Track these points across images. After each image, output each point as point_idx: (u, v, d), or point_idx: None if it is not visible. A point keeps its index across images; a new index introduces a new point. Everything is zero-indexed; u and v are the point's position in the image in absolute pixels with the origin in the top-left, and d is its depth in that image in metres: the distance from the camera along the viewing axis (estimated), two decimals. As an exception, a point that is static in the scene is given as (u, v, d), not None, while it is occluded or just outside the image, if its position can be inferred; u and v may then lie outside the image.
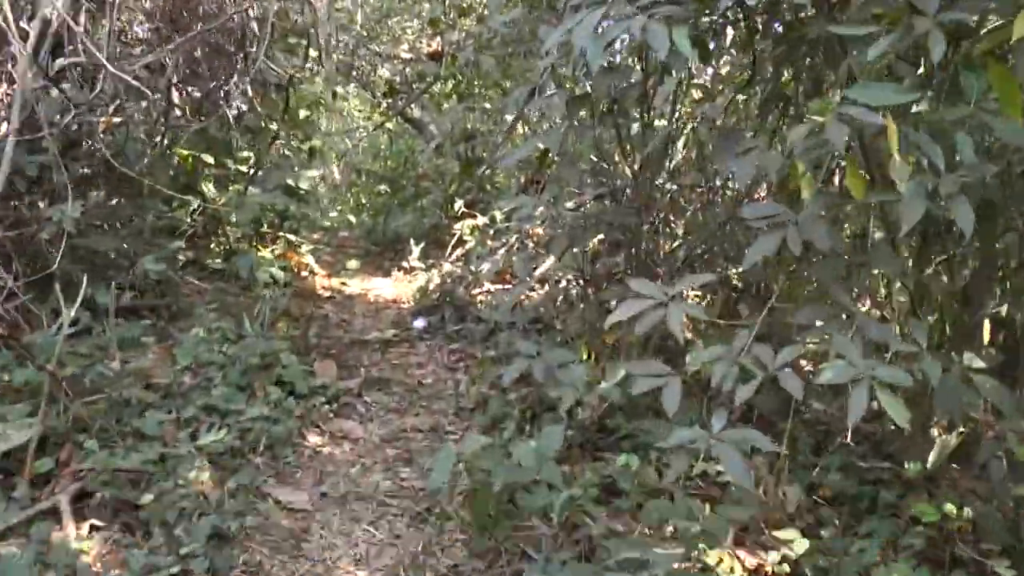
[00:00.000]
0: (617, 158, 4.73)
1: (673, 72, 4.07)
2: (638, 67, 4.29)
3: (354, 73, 13.59)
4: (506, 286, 7.44)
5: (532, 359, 4.10)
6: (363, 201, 14.32)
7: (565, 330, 5.72)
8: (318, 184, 13.97)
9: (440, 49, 13.02)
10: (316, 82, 9.06)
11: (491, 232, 8.04)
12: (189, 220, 6.35)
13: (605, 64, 4.16)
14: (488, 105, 10.02)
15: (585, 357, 5.35)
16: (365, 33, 12.95)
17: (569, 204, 5.42)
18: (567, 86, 4.28)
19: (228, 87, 5.56)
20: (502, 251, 7.51)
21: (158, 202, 5.96)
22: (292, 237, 8.87)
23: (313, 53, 8.41)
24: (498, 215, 8.14)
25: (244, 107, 6.86)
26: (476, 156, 9.10)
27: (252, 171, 6.76)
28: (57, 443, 3.78)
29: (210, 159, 6.12)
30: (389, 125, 16.35)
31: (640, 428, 4.14)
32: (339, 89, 9.65)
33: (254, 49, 5.41)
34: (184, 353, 4.68)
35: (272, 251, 8.30)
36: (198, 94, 6.05)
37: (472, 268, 7.55)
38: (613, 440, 4.35)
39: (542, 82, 4.12)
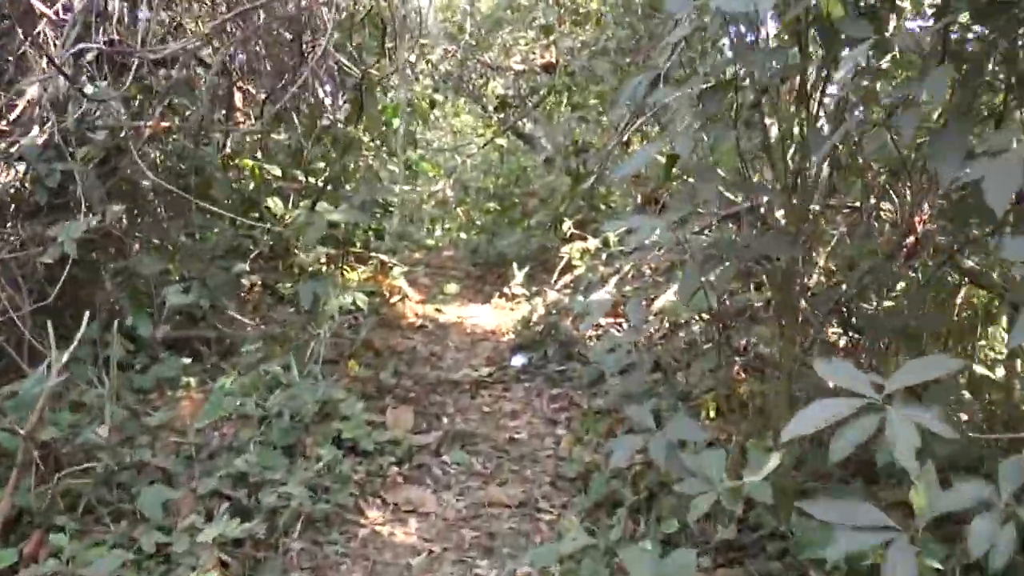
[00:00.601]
0: (760, 168, 3.67)
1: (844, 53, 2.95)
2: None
3: (463, 85, 12.74)
4: (619, 320, 6.37)
5: (649, 434, 3.04)
6: (473, 218, 13.52)
7: (689, 381, 4.63)
8: (423, 201, 13.24)
9: (554, 60, 12.13)
10: (414, 89, 8.18)
11: (603, 257, 6.99)
12: (259, 239, 5.51)
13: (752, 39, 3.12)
14: (604, 118, 8.99)
15: (713, 414, 4.28)
16: (475, 43, 12.11)
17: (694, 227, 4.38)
18: (701, 71, 3.22)
19: (297, 87, 4.66)
20: (615, 279, 6.46)
21: (218, 219, 5.14)
22: (384, 258, 8.03)
23: (407, 56, 7.51)
24: (611, 237, 7.09)
25: (328, 113, 6.00)
26: (587, 171, 8.08)
27: (325, 184, 5.87)
28: (32, 526, 2.92)
29: (277, 171, 5.29)
30: (500, 141, 15.59)
31: (794, 528, 3.02)
32: (438, 96, 8.68)
33: (323, 42, 4.52)
34: (213, 405, 3.76)
35: (360, 273, 7.48)
36: (263, 95, 5.20)
37: (581, 299, 6.50)
38: (756, 539, 3.24)
39: (666, 67, 3.07)
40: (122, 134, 4.28)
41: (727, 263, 3.07)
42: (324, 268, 6.90)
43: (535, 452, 4.56)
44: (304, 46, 4.91)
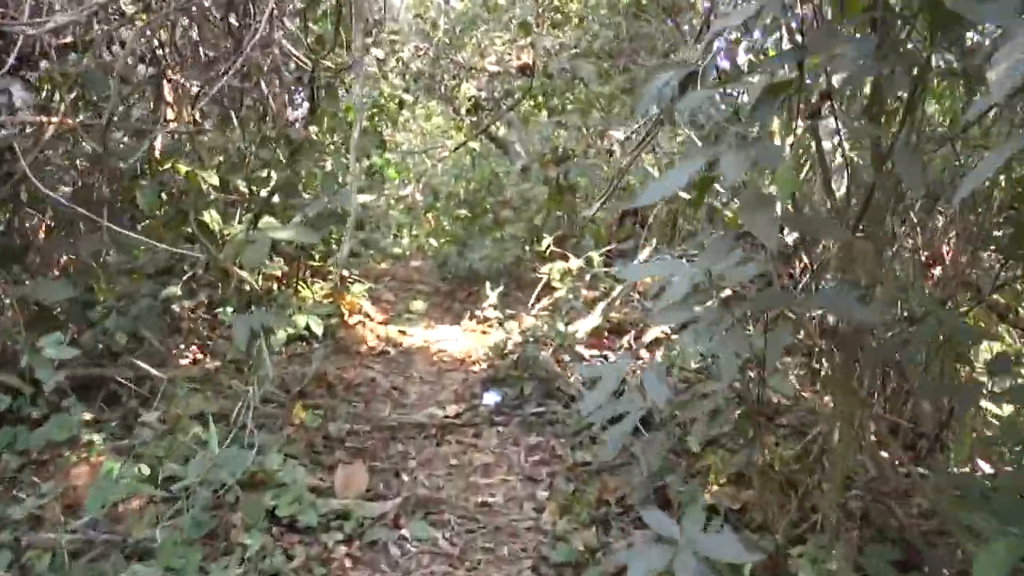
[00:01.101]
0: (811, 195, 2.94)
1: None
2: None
3: (435, 86, 11.93)
4: (604, 352, 5.61)
5: (672, 546, 2.28)
6: (443, 225, 12.73)
7: (703, 453, 3.84)
8: (388, 208, 12.42)
9: (531, 62, 11.38)
10: (380, 87, 7.35)
11: (586, 278, 6.23)
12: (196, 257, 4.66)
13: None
14: (583, 122, 8.25)
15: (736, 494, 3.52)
16: (448, 41, 11.30)
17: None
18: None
19: (233, 77, 3.84)
20: (602, 305, 5.71)
21: (147, 234, 4.30)
22: (344, 272, 7.21)
23: (369, 49, 6.69)
24: (595, 257, 6.34)
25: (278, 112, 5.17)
26: (568, 182, 7.32)
27: (269, 195, 5.02)
28: None
29: (214, 179, 4.43)
30: (473, 144, 14.80)
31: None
32: (407, 96, 7.86)
33: (263, 23, 3.69)
34: (103, 486, 2.89)
35: (317, 290, 6.66)
36: (197, 88, 4.34)
37: (561, 326, 5.74)
38: None
39: (704, 63, 2.31)
40: (17, 130, 3.45)
41: (782, 330, 2.32)
42: (276, 287, 6.09)
43: (512, 523, 3.76)
44: (241, 29, 4.08)
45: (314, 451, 3.96)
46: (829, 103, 2.30)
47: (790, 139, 2.43)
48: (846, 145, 2.59)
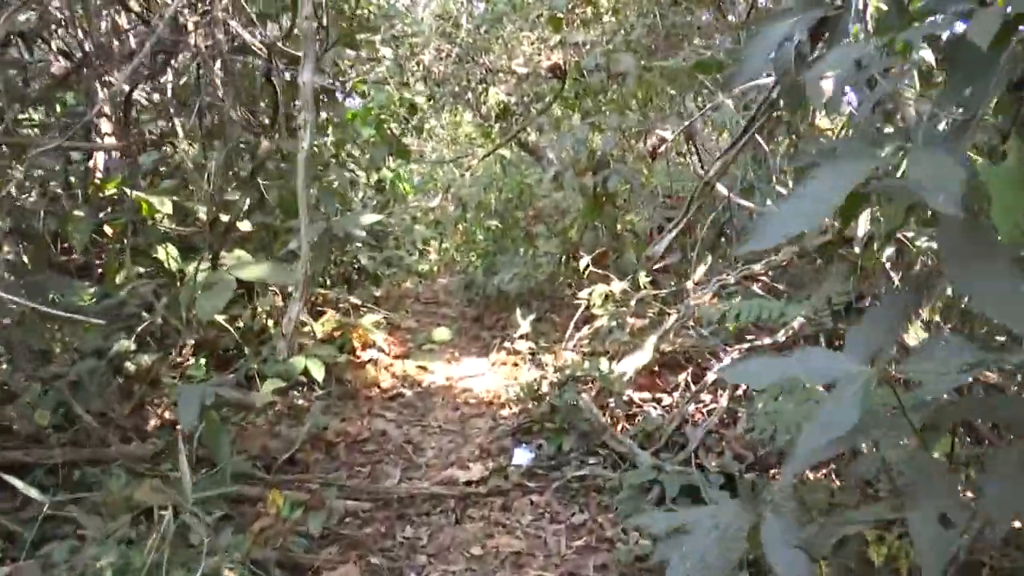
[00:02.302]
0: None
1: None
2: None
3: (460, 90, 11.00)
4: (658, 396, 4.64)
5: None
6: (473, 237, 11.82)
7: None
8: (415, 220, 11.54)
9: (561, 61, 10.44)
10: (386, 89, 6.42)
11: (631, 303, 5.25)
12: (154, 303, 3.74)
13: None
14: (627, 124, 7.26)
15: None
16: (472, 42, 10.38)
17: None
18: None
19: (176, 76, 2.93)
20: (654, 337, 4.72)
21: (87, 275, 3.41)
22: (355, 300, 6.31)
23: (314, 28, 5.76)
24: (642, 278, 5.36)
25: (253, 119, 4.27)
26: (607, 191, 6.33)
27: (227, 228, 4.05)
28: None
29: (166, 204, 3.51)
30: (503, 152, 13.89)
31: None
32: (421, 101, 6.91)
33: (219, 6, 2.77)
34: None
35: (324, 323, 5.76)
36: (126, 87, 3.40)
37: (604, 363, 4.78)
38: None
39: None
40: None
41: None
42: (271, 324, 5.20)
43: (551, 651, 2.82)
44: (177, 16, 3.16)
45: (289, 552, 3.03)
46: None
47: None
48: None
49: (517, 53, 10.87)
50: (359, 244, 5.38)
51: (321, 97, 5.08)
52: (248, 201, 4.11)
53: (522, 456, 4.29)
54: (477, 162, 12.97)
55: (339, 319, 5.80)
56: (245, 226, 4.22)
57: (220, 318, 3.85)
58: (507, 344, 6.17)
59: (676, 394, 4.59)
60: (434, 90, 10.91)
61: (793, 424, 2.80)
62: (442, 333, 6.79)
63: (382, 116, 5.82)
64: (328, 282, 7.02)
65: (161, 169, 3.86)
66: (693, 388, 4.62)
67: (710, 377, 4.39)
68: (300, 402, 4.81)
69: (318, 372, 4.74)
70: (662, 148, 5.94)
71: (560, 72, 10.45)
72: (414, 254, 10.65)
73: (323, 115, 5.32)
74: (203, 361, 3.86)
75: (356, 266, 6.84)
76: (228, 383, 3.27)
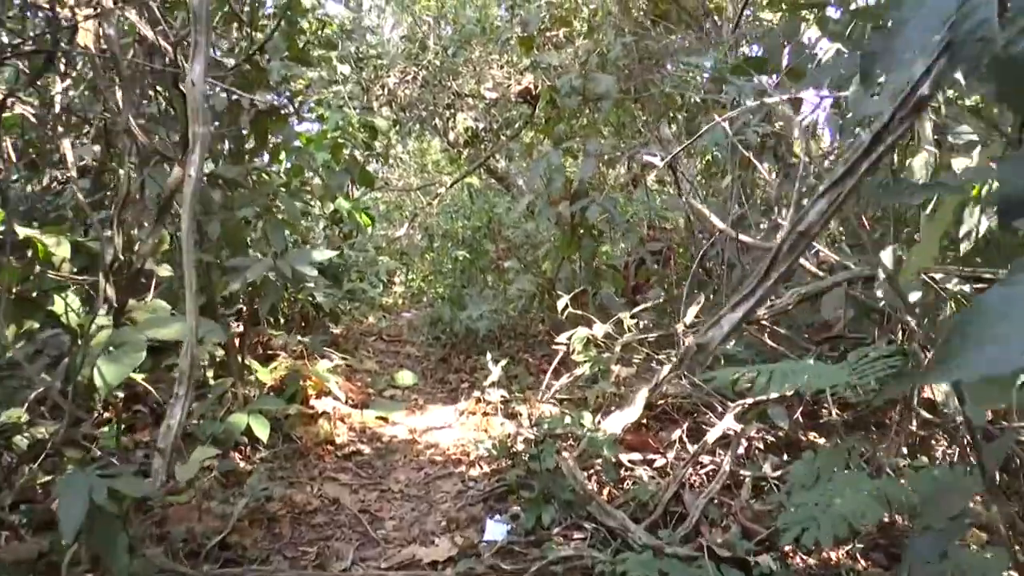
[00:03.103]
0: None
1: None
2: None
3: (427, 115, 10.44)
4: (650, 457, 4.05)
5: None
6: (444, 267, 11.24)
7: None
8: (379, 251, 10.93)
9: (532, 85, 9.94)
10: (348, 114, 5.82)
11: (616, 348, 4.67)
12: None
13: None
14: (601, 147, 6.73)
15: None
16: (440, 64, 9.83)
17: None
18: None
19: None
20: (645, 391, 4.14)
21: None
22: (308, 339, 5.69)
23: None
24: (627, 320, 4.79)
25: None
26: (586, 222, 5.78)
27: (135, 273, 3.36)
28: None
29: (63, 246, 2.88)
30: (472, 180, 13.36)
31: None
32: (381, 123, 6.32)
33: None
34: None
35: (272, 370, 5.12)
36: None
37: (588, 418, 4.19)
38: None
39: None
40: None
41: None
42: (211, 374, 4.56)
43: None
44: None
45: None
46: None
47: None
48: None
49: (486, 77, 10.36)
50: (310, 284, 4.76)
51: (270, 118, 4.49)
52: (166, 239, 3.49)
53: (495, 530, 3.68)
54: (445, 190, 12.43)
55: (290, 365, 5.17)
56: (164, 271, 3.59)
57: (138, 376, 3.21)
58: (476, 391, 5.57)
59: (671, 454, 4.01)
60: (399, 115, 10.36)
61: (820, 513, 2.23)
62: (405, 377, 6.18)
63: (339, 140, 5.24)
64: (281, 321, 6.39)
65: (48, 200, 3.22)
66: (689, 448, 4.06)
67: (711, 436, 3.81)
68: (241, 463, 4.17)
69: (262, 431, 4.10)
70: (651, 176, 5.39)
71: (531, 96, 9.96)
72: (378, 286, 10.03)
73: (272, 139, 4.73)
74: (120, 428, 3.21)
75: (312, 302, 6.22)
76: (126, 470, 2.60)
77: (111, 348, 2.51)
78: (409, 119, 10.67)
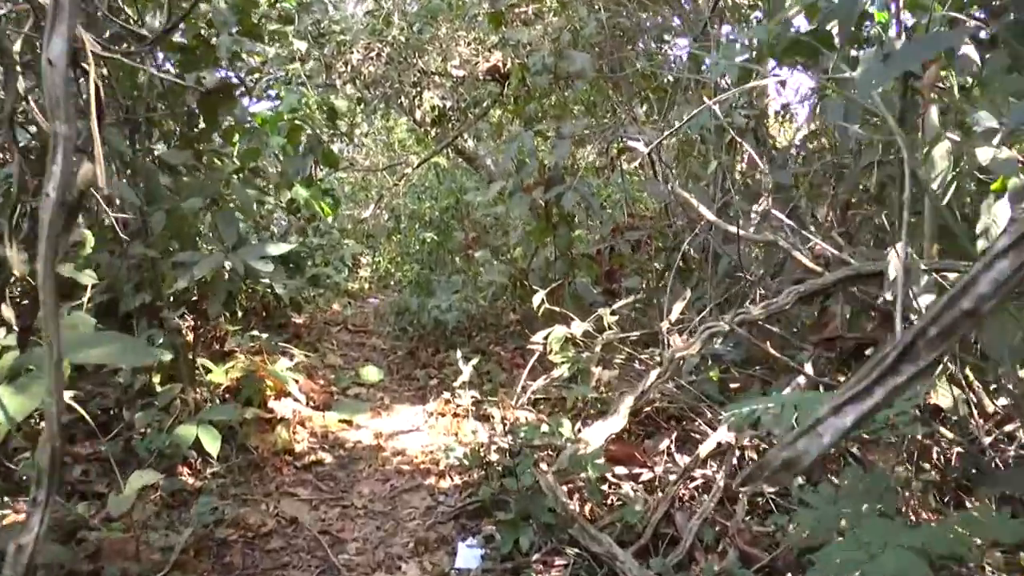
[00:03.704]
0: None
1: None
2: None
3: (391, 93, 9.95)
4: (636, 471, 3.71)
5: None
6: (411, 249, 10.83)
7: None
8: (344, 234, 10.52)
9: (501, 64, 9.52)
10: (300, 90, 5.37)
11: (597, 347, 4.32)
12: None
13: None
14: (576, 128, 6.34)
15: None
16: (405, 41, 9.35)
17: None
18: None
19: None
20: (630, 398, 3.78)
21: None
22: (265, 337, 5.29)
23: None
24: (607, 316, 4.44)
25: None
26: (561, 210, 5.41)
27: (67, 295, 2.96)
28: None
29: None
30: (439, 160, 12.93)
31: None
32: (341, 104, 5.84)
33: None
34: None
35: (229, 369, 4.72)
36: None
37: (567, 427, 3.86)
38: None
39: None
40: None
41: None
42: (157, 379, 4.15)
43: None
44: None
45: None
46: None
47: None
48: None
49: (453, 54, 9.91)
50: (265, 279, 4.36)
51: (219, 97, 4.05)
52: (83, 239, 3.06)
53: (468, 556, 3.33)
54: (412, 170, 11.99)
55: (246, 365, 4.77)
56: (87, 278, 3.16)
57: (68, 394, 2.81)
58: (446, 391, 5.21)
59: (659, 467, 3.68)
60: (364, 93, 9.89)
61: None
62: (371, 373, 5.81)
63: (296, 122, 4.80)
64: (238, 315, 5.98)
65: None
66: (678, 459, 3.73)
67: (704, 448, 3.48)
68: (190, 480, 3.79)
69: (212, 444, 3.71)
70: (636, 161, 5.03)
71: (500, 75, 9.55)
72: (343, 271, 9.61)
73: (225, 121, 4.31)
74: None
75: (272, 293, 5.80)
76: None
77: (17, 375, 2.12)
78: (374, 97, 10.21)
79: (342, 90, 9.50)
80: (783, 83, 5.34)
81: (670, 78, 6.91)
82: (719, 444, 3.54)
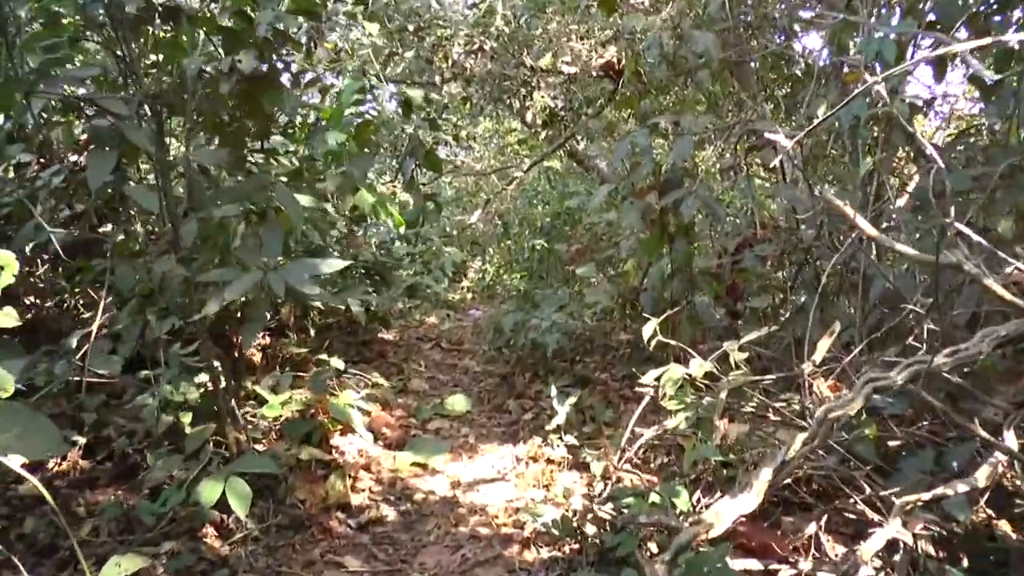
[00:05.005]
0: None
1: None
2: None
3: (498, 91, 9.18)
4: (771, 565, 2.78)
5: None
6: (519, 256, 10.12)
7: None
8: (445, 240, 9.85)
9: (615, 59, 8.66)
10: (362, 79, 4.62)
11: (722, 395, 3.40)
12: None
13: None
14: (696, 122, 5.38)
15: None
16: (510, 33, 8.57)
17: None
18: None
19: None
20: (766, 474, 2.85)
21: None
22: (338, 364, 4.59)
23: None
24: (736, 355, 3.50)
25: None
26: (679, 220, 4.49)
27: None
28: None
29: None
30: (551, 163, 12.16)
31: None
32: (416, 95, 5.03)
33: None
34: None
35: (287, 401, 4.02)
36: None
37: (684, 498, 2.96)
38: None
39: None
40: None
41: None
42: (188, 418, 3.47)
43: None
44: None
45: None
46: None
47: None
48: None
49: (564, 49, 9.07)
50: (314, 301, 3.62)
51: (257, 83, 3.34)
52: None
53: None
54: (522, 174, 11.23)
55: (307, 396, 4.06)
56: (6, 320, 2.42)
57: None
58: (540, 427, 4.39)
59: (805, 562, 2.74)
60: (468, 91, 9.18)
61: None
62: (457, 402, 5.03)
63: (367, 118, 4.05)
64: (311, 332, 5.31)
65: None
66: (829, 550, 2.78)
67: (869, 547, 2.52)
68: (217, 544, 3.07)
69: (240, 505, 2.99)
70: (774, 160, 4.08)
71: (614, 71, 8.70)
72: (443, 281, 8.92)
73: (277, 115, 3.60)
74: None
75: (345, 311, 5.09)
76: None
77: None
78: (481, 96, 9.48)
79: (446, 87, 8.83)
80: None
81: (804, 65, 5.93)
82: (894, 539, 2.57)
